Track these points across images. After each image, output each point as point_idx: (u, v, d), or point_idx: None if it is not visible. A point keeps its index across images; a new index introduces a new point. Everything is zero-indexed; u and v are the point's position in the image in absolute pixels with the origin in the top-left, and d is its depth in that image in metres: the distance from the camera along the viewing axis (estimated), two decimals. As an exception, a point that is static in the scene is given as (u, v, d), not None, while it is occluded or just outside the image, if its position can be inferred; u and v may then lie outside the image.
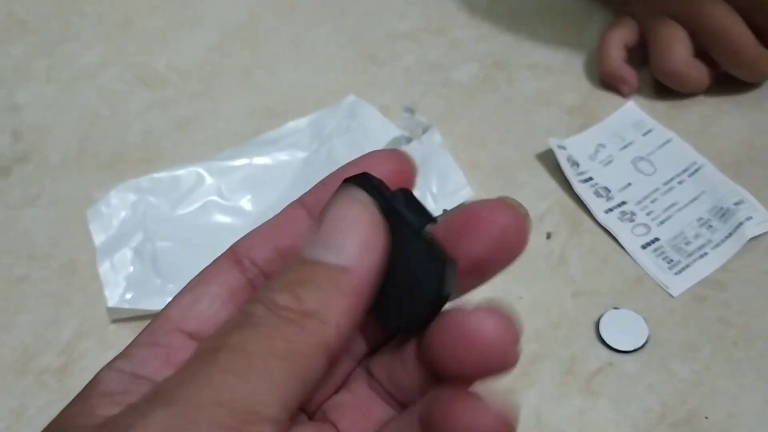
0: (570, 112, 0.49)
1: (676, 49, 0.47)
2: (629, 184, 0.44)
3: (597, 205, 0.43)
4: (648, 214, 0.43)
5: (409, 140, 0.46)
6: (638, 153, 0.46)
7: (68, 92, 0.52)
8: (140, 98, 0.51)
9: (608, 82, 0.50)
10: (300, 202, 0.23)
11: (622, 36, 0.50)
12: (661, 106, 0.49)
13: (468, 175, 0.43)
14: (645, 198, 0.44)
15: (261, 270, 0.22)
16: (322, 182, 0.23)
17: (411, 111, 0.48)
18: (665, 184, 0.44)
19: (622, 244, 0.42)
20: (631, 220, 0.42)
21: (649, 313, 0.39)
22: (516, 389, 0.37)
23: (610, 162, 0.45)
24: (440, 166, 0.44)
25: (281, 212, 0.23)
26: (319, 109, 0.48)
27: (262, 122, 0.48)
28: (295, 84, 0.51)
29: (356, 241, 0.20)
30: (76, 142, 0.49)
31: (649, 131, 0.47)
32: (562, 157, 0.45)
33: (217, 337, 0.19)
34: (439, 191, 0.43)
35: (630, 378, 0.37)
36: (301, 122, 0.48)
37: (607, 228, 0.43)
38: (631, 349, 0.38)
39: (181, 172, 0.45)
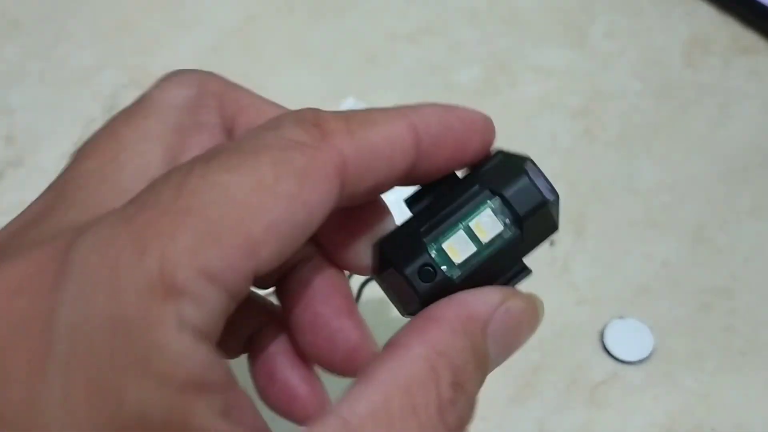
0: (573, 115, 0.48)
1: None
2: None
3: None
4: None
5: (409, 144, 0.45)
6: None
7: (62, 95, 0.51)
8: (136, 101, 0.50)
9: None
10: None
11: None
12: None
13: (469, 180, 0.43)
14: None
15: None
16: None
17: (411, 114, 0.47)
18: None
19: None
20: None
21: (655, 322, 0.38)
22: (519, 400, 0.36)
23: None
24: (441, 171, 0.43)
25: None
26: (318, 113, 0.47)
27: (259, 125, 0.48)
28: (293, 86, 0.51)
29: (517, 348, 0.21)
30: (70, 145, 0.48)
31: None
32: None
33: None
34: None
35: (635, 389, 0.37)
36: (299, 126, 0.47)
37: None
38: (637, 359, 0.37)
39: (177, 176, 0.44)
